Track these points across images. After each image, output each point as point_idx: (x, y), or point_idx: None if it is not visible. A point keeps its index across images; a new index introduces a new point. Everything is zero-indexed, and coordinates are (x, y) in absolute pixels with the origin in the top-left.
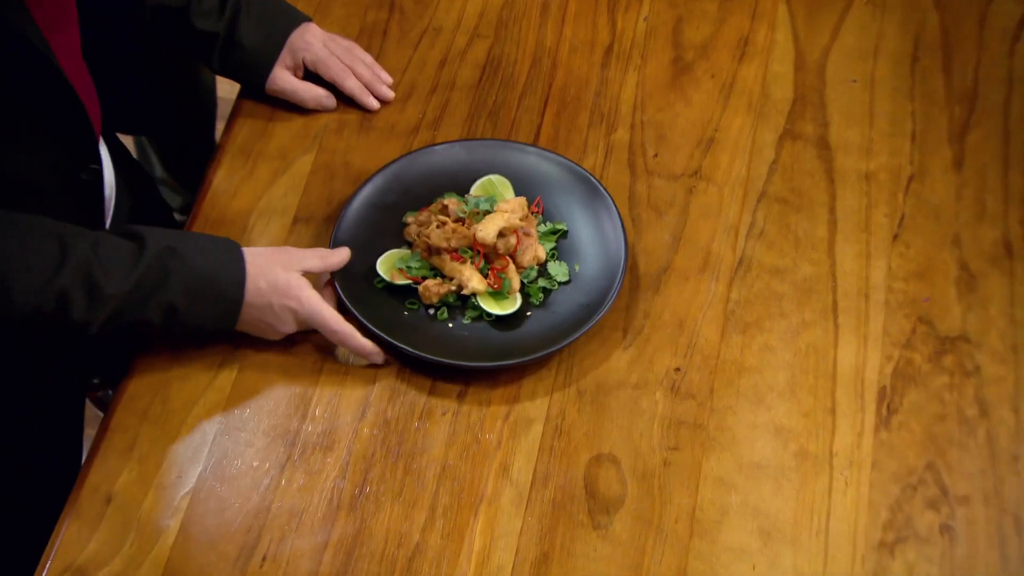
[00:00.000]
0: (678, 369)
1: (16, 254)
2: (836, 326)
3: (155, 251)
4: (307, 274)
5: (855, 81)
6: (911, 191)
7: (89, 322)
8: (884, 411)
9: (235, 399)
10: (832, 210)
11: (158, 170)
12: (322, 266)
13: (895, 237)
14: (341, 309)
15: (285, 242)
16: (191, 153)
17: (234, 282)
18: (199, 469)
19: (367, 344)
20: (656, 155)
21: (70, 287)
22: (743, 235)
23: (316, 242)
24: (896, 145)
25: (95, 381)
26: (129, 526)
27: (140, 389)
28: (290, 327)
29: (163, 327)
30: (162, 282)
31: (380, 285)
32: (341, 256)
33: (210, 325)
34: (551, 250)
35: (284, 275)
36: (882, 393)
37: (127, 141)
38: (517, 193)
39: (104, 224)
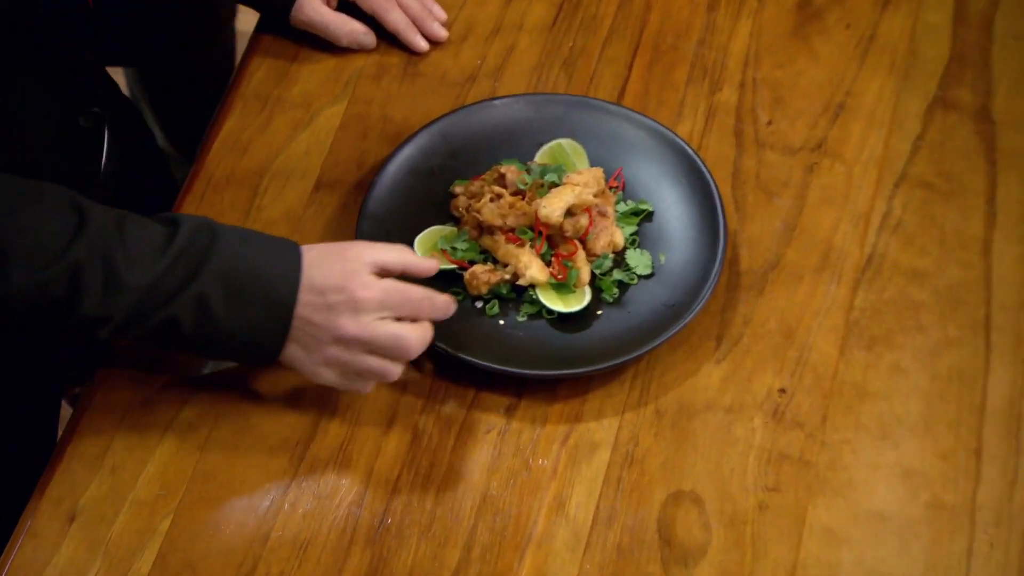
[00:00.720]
0: (783, 391)
1: (21, 221)
2: (988, 346)
3: (189, 234)
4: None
5: None
6: None
7: (104, 318)
8: None
9: (232, 400)
10: (991, 200)
11: (159, 139)
12: (400, 264)
13: None
14: None
15: (304, 211)
16: (200, 116)
17: (285, 279)
18: (185, 484)
19: (453, 300)
20: (770, 122)
21: (85, 265)
22: (875, 227)
23: (341, 212)
24: None
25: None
26: (96, 550)
27: (117, 384)
28: (350, 330)
29: (194, 331)
30: (195, 271)
31: None
32: (428, 264)
33: (251, 332)
34: (631, 235)
35: (340, 265)
36: None
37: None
38: (593, 163)
39: (97, 189)
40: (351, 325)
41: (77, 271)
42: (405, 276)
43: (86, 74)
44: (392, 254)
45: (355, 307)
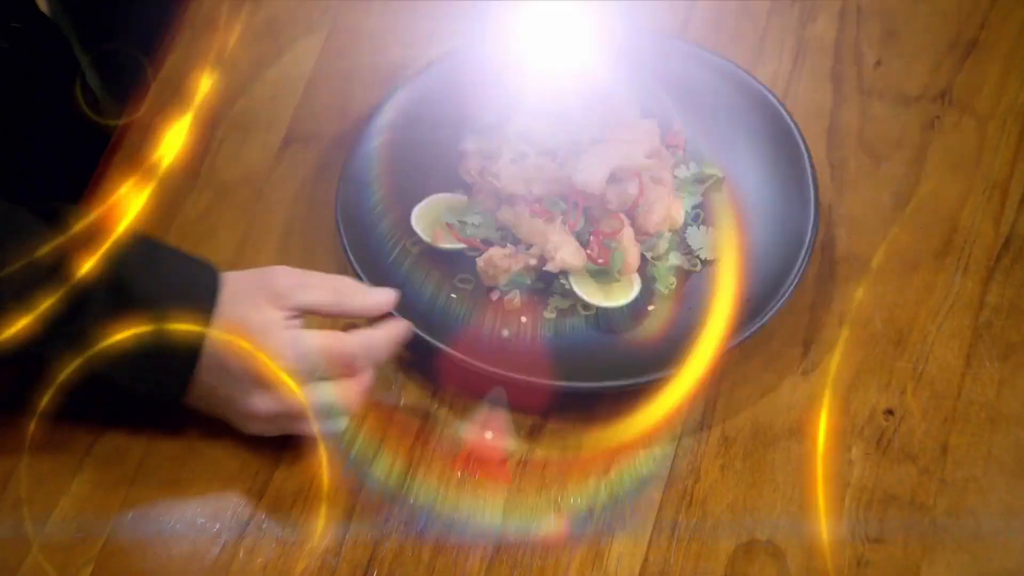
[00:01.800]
0: (890, 412)
1: None
2: None
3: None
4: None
5: None
6: None
7: None
8: None
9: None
10: None
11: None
12: (334, 306)
13: None
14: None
15: (270, 174)
16: (135, 47)
17: (196, 308)
18: (110, 524)
19: (404, 327)
20: (879, 63)
21: None
22: (1014, 201)
23: (317, 174)
24: None
25: None
26: None
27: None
28: (259, 406)
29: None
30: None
31: (416, 249)
32: (380, 298)
33: (146, 382)
34: (694, 209)
35: (259, 314)
36: None
37: None
38: (645, 114)
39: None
40: (263, 404)
41: None
42: None
43: None
44: (323, 296)
45: (264, 384)
